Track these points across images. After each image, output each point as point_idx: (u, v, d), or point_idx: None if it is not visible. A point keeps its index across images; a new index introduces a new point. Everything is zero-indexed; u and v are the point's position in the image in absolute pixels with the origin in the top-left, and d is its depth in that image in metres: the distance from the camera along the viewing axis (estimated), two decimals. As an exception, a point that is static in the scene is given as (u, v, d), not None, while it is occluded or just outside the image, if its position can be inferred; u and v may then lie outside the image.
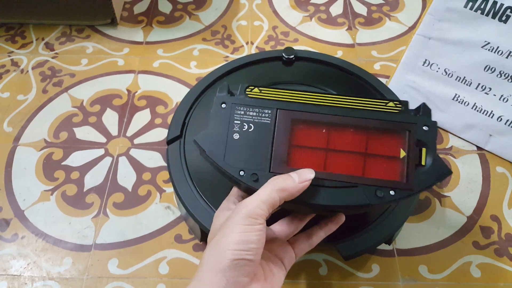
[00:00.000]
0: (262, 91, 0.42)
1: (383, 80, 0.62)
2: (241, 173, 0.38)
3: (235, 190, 0.42)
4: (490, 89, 0.59)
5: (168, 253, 0.53)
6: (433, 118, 0.40)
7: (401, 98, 0.60)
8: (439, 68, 0.61)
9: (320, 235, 0.42)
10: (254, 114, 0.40)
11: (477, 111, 0.61)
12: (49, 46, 0.78)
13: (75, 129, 0.66)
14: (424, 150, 0.39)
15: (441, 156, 0.63)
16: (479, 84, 0.59)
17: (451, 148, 0.63)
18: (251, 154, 0.39)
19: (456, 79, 0.61)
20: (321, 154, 0.39)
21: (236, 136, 0.39)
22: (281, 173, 0.38)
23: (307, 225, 0.44)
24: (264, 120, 0.40)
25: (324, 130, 0.39)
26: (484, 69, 0.58)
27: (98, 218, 0.56)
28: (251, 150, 0.39)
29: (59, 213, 0.57)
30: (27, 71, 0.74)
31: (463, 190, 0.59)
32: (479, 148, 0.64)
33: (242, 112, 0.40)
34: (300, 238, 0.42)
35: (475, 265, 0.52)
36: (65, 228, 0.56)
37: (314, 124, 0.40)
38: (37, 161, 0.62)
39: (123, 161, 0.62)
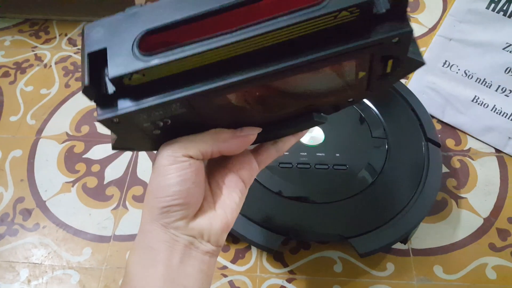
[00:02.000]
0: (148, 74, 0.25)
1: (402, 81, 0.62)
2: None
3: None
4: (511, 91, 0.58)
5: (185, 246, 0.54)
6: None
7: (421, 99, 0.60)
8: (459, 70, 0.61)
9: (290, 140, 0.36)
10: (161, 113, 0.27)
11: (497, 113, 0.61)
12: (72, 42, 0.80)
13: (96, 123, 0.67)
14: (390, 61, 0.27)
15: (458, 157, 0.62)
16: (499, 86, 0.59)
17: (469, 150, 0.63)
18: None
19: (476, 81, 0.60)
20: (262, 113, 0.31)
21: (156, 132, 0.29)
22: None
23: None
24: (178, 111, 0.27)
25: (257, 91, 0.28)
26: (505, 71, 0.57)
27: (118, 210, 0.58)
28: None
29: (80, 204, 0.58)
30: (50, 66, 0.76)
31: (480, 192, 0.59)
32: (497, 150, 0.63)
33: (146, 117, 0.27)
34: (265, 144, 0.36)
35: (490, 267, 0.52)
36: (85, 219, 0.57)
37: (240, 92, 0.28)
38: (59, 154, 0.64)
39: (143, 156, 0.63)
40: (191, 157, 0.30)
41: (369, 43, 0.24)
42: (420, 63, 0.28)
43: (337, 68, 0.28)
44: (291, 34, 0.24)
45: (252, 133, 0.32)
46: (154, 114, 0.27)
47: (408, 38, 0.25)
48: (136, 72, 0.24)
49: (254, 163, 0.35)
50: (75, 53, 0.77)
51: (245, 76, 0.25)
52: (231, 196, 0.33)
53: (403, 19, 0.24)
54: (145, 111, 0.26)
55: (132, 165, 0.62)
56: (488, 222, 0.56)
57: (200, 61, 0.25)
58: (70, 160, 0.63)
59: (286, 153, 0.53)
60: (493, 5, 0.55)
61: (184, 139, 0.30)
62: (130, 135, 0.29)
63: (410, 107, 0.59)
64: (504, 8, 0.55)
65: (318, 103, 0.32)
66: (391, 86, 0.32)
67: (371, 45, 0.25)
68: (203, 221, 0.31)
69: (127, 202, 0.58)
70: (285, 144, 0.36)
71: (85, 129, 0.66)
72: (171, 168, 0.29)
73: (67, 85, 0.72)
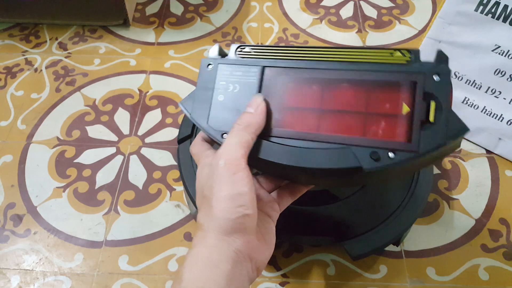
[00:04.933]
0: (254, 50, 0.39)
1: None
2: (224, 136, 0.37)
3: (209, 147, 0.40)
4: (500, 92, 0.59)
5: (177, 250, 0.54)
6: None
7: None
8: (449, 71, 0.62)
9: (302, 189, 0.42)
10: (240, 73, 0.38)
11: (487, 114, 0.61)
12: (62, 46, 0.79)
13: (87, 128, 0.67)
14: (433, 103, 0.32)
15: (449, 159, 0.63)
16: (489, 87, 0.59)
17: (460, 151, 0.64)
18: (235, 116, 0.37)
19: (466, 83, 0.61)
20: (313, 114, 0.35)
21: (220, 97, 0.38)
22: (267, 135, 0.36)
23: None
24: (250, 79, 0.38)
25: (316, 88, 0.36)
26: (494, 72, 0.58)
27: (109, 215, 0.57)
28: (235, 111, 0.37)
29: (71, 209, 0.58)
30: (41, 70, 0.75)
31: (471, 193, 0.59)
32: (488, 151, 0.64)
33: (228, 73, 0.38)
34: (284, 194, 0.41)
35: (483, 268, 0.53)
36: (77, 225, 0.56)
37: (305, 82, 0.36)
38: (50, 158, 0.63)
39: (134, 160, 0.63)
40: (245, 161, 0.33)
41: (414, 70, 0.33)
42: (463, 128, 0.32)
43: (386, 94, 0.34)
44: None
45: (260, 100, 0.36)
46: (238, 70, 0.38)
47: (446, 75, 0.32)
48: (249, 45, 0.39)
49: (277, 207, 0.40)
50: (65, 57, 0.77)
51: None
52: (272, 230, 0.37)
53: (445, 64, 0.33)
54: (238, 62, 0.39)
55: (124, 170, 0.62)
56: (480, 223, 0.57)
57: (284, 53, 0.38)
58: (61, 165, 0.62)
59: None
60: (481, 7, 0.56)
61: (228, 146, 0.33)
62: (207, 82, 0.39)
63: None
64: (493, 10, 0.55)
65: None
66: (435, 148, 0.31)
67: (415, 72, 0.33)
68: (259, 244, 0.34)
69: (118, 207, 0.58)
70: (301, 192, 0.41)
71: (76, 133, 0.66)
72: (239, 177, 0.32)
73: (57, 90, 0.72)
